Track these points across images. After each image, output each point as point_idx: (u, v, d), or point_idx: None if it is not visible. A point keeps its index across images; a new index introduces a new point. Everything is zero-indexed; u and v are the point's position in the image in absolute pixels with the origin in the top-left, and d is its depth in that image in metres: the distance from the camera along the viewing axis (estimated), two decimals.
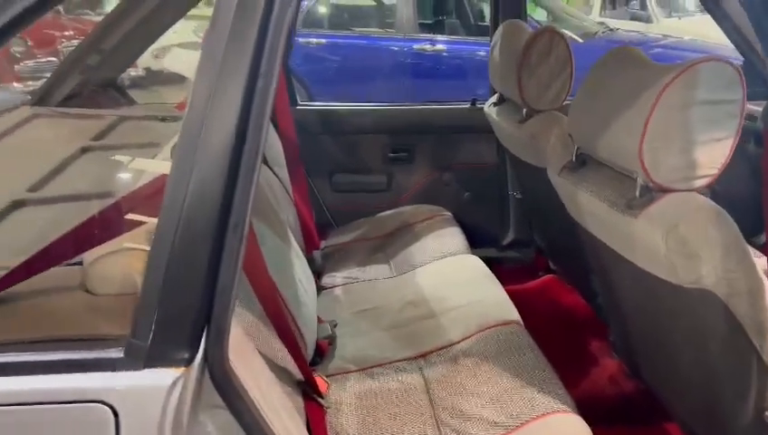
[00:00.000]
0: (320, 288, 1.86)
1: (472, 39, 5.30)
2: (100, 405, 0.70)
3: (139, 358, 0.71)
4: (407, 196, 2.40)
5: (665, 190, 1.07)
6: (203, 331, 0.73)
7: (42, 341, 0.74)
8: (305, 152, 2.12)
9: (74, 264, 0.88)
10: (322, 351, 1.54)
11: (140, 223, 0.82)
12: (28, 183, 1.28)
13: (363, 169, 2.40)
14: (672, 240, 1.03)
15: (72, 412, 0.69)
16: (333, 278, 1.92)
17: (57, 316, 0.82)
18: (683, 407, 1.42)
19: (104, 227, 0.87)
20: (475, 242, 2.15)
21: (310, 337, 1.46)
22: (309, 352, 1.44)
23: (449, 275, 1.81)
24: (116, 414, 0.70)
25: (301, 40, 5.12)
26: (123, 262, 0.81)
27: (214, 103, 0.72)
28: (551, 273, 2.38)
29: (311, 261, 1.85)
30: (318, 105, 2.52)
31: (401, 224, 2.15)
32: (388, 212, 2.26)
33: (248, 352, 0.89)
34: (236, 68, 0.72)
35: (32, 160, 1.42)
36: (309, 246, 1.94)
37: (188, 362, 0.72)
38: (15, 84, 4.31)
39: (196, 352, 0.72)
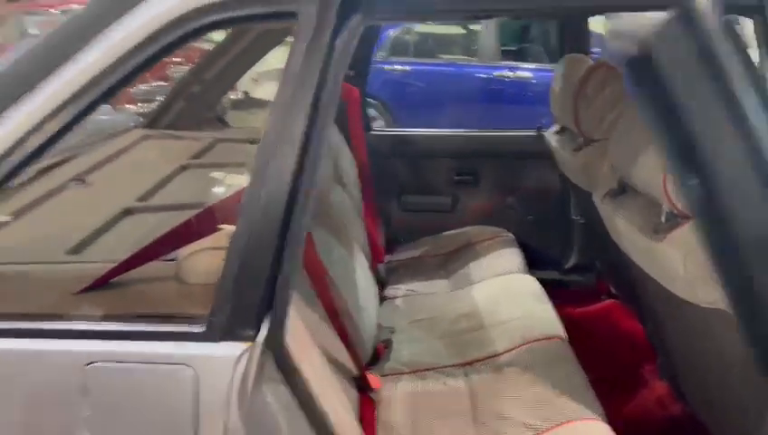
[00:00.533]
0: (383, 298, 2.02)
1: (552, 66, 5.37)
2: (185, 367, 0.89)
3: (215, 332, 0.90)
4: (470, 217, 2.53)
5: (687, 217, 1.16)
6: (265, 315, 0.91)
7: (145, 315, 0.95)
8: (377, 174, 2.31)
9: (170, 259, 1.09)
10: (379, 353, 1.70)
11: (222, 228, 1.02)
12: (137, 194, 1.53)
13: (430, 191, 2.56)
14: (690, 263, 1.12)
15: (165, 371, 0.89)
16: (396, 290, 2.08)
17: (156, 298, 1.03)
18: (720, 429, 1.47)
19: (194, 230, 1.08)
20: (538, 264, 2.26)
21: (368, 339, 1.62)
22: (366, 353, 1.60)
23: (503, 292, 1.93)
24: (197, 375, 0.89)
25: (386, 67, 5.37)
26: (207, 259, 1.01)
27: (282, 133, 0.91)
28: (613, 298, 2.43)
29: (376, 273, 2.02)
30: (389, 131, 2.71)
31: (463, 243, 2.28)
32: (452, 232, 2.40)
33: (305, 340, 1.07)
34: (300, 106, 0.90)
35: (141, 176, 1.68)
36: (375, 260, 2.12)
37: (253, 339, 0.91)
38: (129, 106, 4.80)
39: (259, 331, 0.91)
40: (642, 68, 0.80)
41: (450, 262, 2.22)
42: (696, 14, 0.76)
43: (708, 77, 0.77)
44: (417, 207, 2.57)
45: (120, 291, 1.05)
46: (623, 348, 2.13)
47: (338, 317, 1.37)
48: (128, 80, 0.92)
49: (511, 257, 2.15)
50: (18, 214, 1.38)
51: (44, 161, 1.66)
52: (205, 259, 1.02)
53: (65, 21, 1.00)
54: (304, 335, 1.08)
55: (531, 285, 1.95)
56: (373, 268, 2.01)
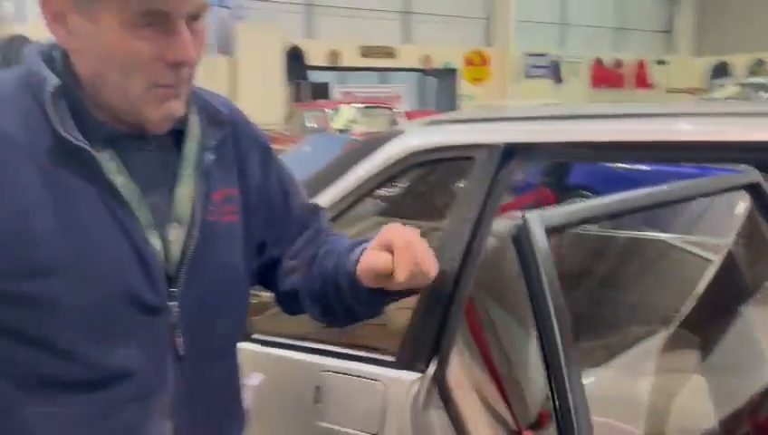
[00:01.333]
0: None
1: None
2: (379, 383, 1.37)
3: (400, 363, 1.37)
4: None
5: None
6: (433, 356, 1.36)
7: (359, 345, 1.47)
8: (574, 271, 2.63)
9: None
10: (543, 419, 2.00)
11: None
12: None
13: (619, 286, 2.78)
14: None
15: (367, 383, 1.38)
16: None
17: (370, 333, 1.55)
18: None
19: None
20: None
21: (533, 403, 1.94)
22: (529, 414, 1.92)
23: None
24: (386, 389, 1.36)
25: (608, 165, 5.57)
26: (401, 311, 1.50)
27: (457, 228, 1.37)
28: None
29: None
30: (581, 230, 3.00)
31: None
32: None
33: (463, 381, 1.48)
34: (469, 215, 1.36)
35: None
36: None
37: (424, 371, 1.35)
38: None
39: (428, 367, 1.35)
40: None
41: None
42: None
43: None
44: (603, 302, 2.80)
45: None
46: None
47: (500, 374, 1.74)
48: (363, 197, 1.48)
49: None
50: None
51: None
52: (399, 310, 1.52)
53: (338, 157, 1.61)
54: (462, 378, 1.49)
55: None
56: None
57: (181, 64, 0.85)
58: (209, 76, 11.41)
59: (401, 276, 0.93)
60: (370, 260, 0.96)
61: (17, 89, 0.86)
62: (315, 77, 13.08)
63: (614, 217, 1.07)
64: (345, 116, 9.41)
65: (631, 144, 1.30)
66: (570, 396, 0.94)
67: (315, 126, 9.31)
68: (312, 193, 1.55)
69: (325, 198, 1.52)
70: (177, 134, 0.93)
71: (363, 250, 1.00)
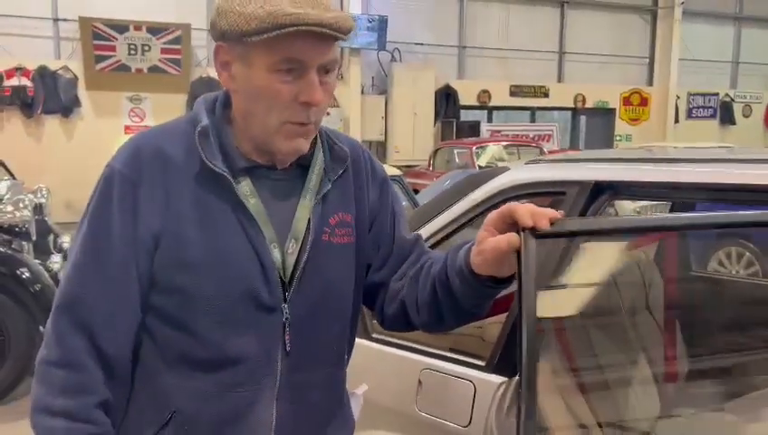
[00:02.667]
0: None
1: None
2: (470, 383, 1.59)
3: (489, 367, 1.58)
4: None
5: None
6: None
7: (458, 350, 1.69)
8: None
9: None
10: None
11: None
12: None
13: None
14: None
15: (460, 383, 1.60)
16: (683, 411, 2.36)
17: (467, 339, 1.76)
18: None
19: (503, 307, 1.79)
20: None
21: (624, 413, 2.02)
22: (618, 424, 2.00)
23: None
24: (475, 389, 1.58)
25: None
26: (494, 324, 1.70)
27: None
28: None
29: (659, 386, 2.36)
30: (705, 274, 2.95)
31: None
32: None
33: (551, 389, 1.65)
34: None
35: None
36: (667, 377, 2.45)
37: (510, 377, 1.55)
38: None
39: (514, 374, 1.55)
40: None
41: None
42: None
43: None
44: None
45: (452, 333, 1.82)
46: None
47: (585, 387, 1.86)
48: (467, 224, 1.72)
49: None
50: None
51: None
52: (495, 326, 1.72)
53: (450, 188, 1.87)
54: (548, 384, 1.66)
55: None
56: (660, 381, 2.35)
57: (310, 105, 1.02)
58: (367, 113, 12.23)
59: (542, 221, 0.96)
60: (492, 243, 1.00)
61: (184, 128, 1.08)
62: (468, 116, 13.42)
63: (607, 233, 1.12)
64: (491, 154, 9.62)
65: (709, 186, 1.42)
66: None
67: (460, 163, 9.62)
68: (424, 219, 1.83)
69: (435, 225, 1.78)
70: (304, 168, 1.12)
71: (470, 247, 1.07)
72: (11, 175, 7.54)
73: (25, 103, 10.25)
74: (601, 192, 1.55)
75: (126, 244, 1.03)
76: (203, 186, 1.04)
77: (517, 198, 1.70)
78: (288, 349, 1.08)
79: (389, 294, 1.20)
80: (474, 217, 1.78)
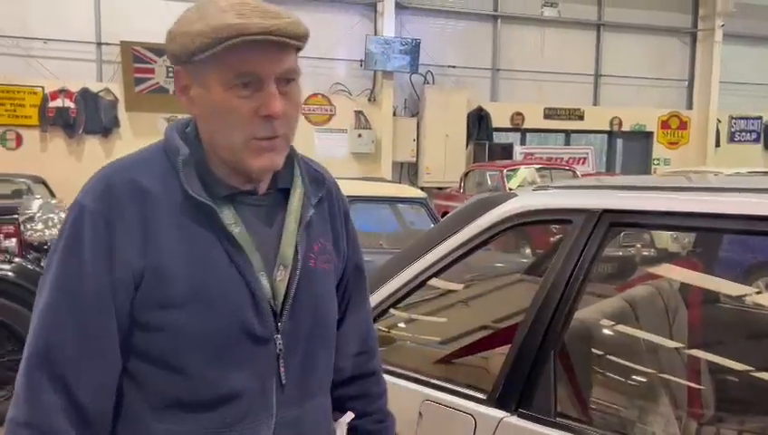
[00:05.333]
0: None
1: None
2: (470, 417, 1.53)
3: (489, 402, 1.52)
4: None
5: None
6: (518, 402, 1.49)
7: (460, 382, 1.64)
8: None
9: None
10: None
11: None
12: (495, 316, 2.25)
13: None
14: None
15: (459, 416, 1.54)
16: None
17: (468, 370, 1.71)
18: None
19: (502, 340, 1.73)
20: None
21: None
22: None
23: None
24: (475, 423, 1.52)
25: None
26: (498, 356, 1.65)
27: (553, 286, 1.51)
28: None
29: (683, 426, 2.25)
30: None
31: None
32: None
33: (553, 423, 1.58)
34: (563, 274, 1.49)
35: (502, 307, 2.42)
36: (693, 416, 2.33)
37: (511, 412, 1.49)
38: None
39: (515, 409, 1.48)
40: None
41: None
42: None
43: None
44: None
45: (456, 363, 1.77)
46: None
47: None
48: (469, 253, 1.68)
49: None
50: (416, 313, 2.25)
51: (449, 284, 2.55)
52: (499, 358, 1.66)
53: (457, 212, 1.83)
54: (551, 418, 1.59)
55: None
56: (683, 419, 2.24)
57: (271, 118, 0.98)
58: (399, 134, 12.25)
59: None
60: None
61: (158, 156, 1.03)
62: (501, 138, 13.33)
63: None
64: (522, 177, 9.51)
65: (722, 216, 1.35)
66: None
67: (491, 185, 9.53)
68: (431, 244, 1.79)
69: (441, 250, 1.74)
70: (285, 192, 1.09)
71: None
72: (51, 193, 7.78)
73: (68, 124, 10.59)
74: (609, 221, 1.49)
75: (101, 285, 0.96)
76: (184, 217, 0.99)
77: (524, 225, 1.65)
78: (283, 381, 1.04)
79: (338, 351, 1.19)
80: (480, 244, 1.73)
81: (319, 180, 1.13)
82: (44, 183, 8.42)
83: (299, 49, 1.01)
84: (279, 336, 1.03)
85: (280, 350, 1.03)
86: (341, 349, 1.19)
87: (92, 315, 0.96)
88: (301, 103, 1.05)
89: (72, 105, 10.57)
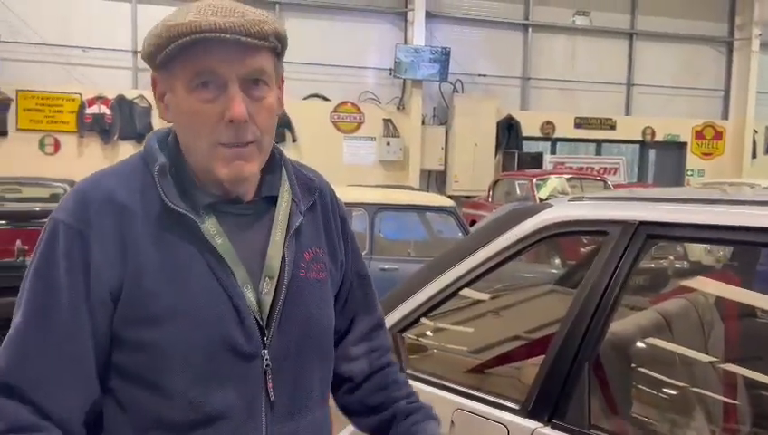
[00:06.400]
0: None
1: None
2: (503, 427, 1.53)
3: (522, 412, 1.52)
4: None
5: None
6: (552, 414, 1.49)
7: (492, 391, 1.64)
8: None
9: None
10: None
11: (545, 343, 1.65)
12: (525, 327, 2.25)
13: None
14: None
15: (492, 426, 1.55)
16: None
17: (502, 380, 1.71)
18: None
19: (535, 351, 1.73)
20: None
21: None
22: None
23: None
24: (508, 433, 1.52)
25: None
26: (532, 367, 1.64)
27: (587, 299, 1.51)
28: None
29: None
30: None
31: None
32: None
33: None
34: (599, 285, 1.49)
35: (533, 317, 2.41)
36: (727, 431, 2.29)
37: (544, 424, 1.49)
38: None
39: (549, 420, 1.48)
40: None
41: None
42: None
43: None
44: None
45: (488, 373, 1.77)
46: None
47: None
48: (503, 263, 1.68)
49: None
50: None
51: (480, 294, 2.55)
52: (533, 368, 1.66)
53: (484, 226, 1.84)
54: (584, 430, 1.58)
55: None
56: None
57: (235, 122, 0.92)
58: (427, 143, 12.26)
59: None
60: None
61: (137, 167, 0.99)
62: (530, 147, 13.26)
63: None
64: (552, 186, 9.44)
65: (762, 229, 1.33)
66: None
67: (520, 195, 9.48)
68: (464, 253, 1.80)
69: (474, 259, 1.75)
70: (272, 199, 1.03)
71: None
72: None
73: (103, 130, 10.86)
74: (646, 233, 1.48)
75: (76, 303, 0.92)
76: (164, 229, 0.95)
77: (559, 235, 1.65)
78: (272, 398, 0.99)
79: (343, 355, 1.17)
80: (514, 254, 1.73)
81: (310, 186, 1.09)
82: None
83: (277, 52, 0.98)
84: (266, 351, 0.98)
85: (267, 366, 0.98)
86: (353, 353, 1.17)
87: (65, 335, 0.92)
88: (274, 108, 0.99)
89: (107, 112, 10.83)
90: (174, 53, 0.92)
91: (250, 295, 0.98)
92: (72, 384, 0.93)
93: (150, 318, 0.93)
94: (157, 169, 0.97)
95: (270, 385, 0.99)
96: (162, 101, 1.00)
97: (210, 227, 0.97)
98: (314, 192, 1.10)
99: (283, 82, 1.03)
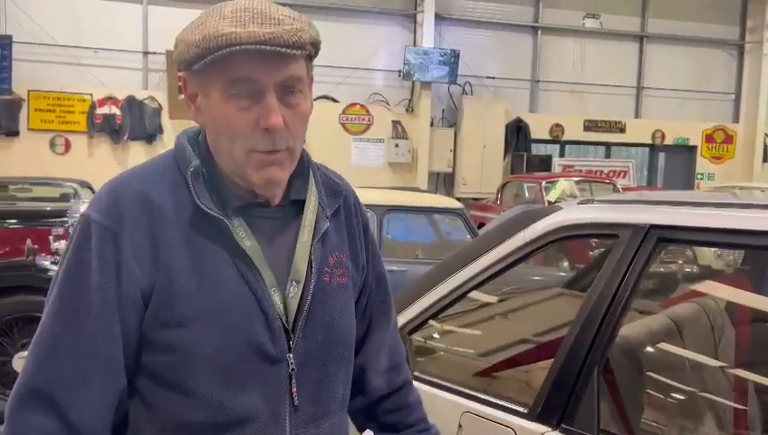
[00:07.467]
0: None
1: None
2: (511, 430, 1.52)
3: (530, 416, 1.51)
4: None
5: None
6: (561, 418, 1.48)
7: (500, 394, 1.63)
8: None
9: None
10: None
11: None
12: (534, 330, 2.24)
13: None
14: None
15: (500, 429, 1.54)
16: None
17: (510, 384, 1.70)
18: None
19: (543, 355, 1.72)
20: None
21: None
22: None
23: None
24: None
25: None
26: (540, 370, 1.63)
27: (597, 303, 1.50)
28: None
29: None
30: None
31: None
32: None
33: None
34: (608, 289, 1.48)
35: (540, 320, 2.40)
36: None
37: (553, 428, 1.48)
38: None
39: (557, 425, 1.47)
40: None
41: None
42: None
43: None
44: None
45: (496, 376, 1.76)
46: None
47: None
48: (512, 266, 1.67)
49: None
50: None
51: (488, 297, 2.54)
52: (541, 372, 1.65)
53: (493, 229, 1.83)
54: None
55: None
56: None
57: (270, 131, 0.93)
58: (436, 145, 12.25)
59: None
60: None
61: (168, 166, 1.00)
62: (539, 150, 13.21)
63: None
64: (561, 189, 9.41)
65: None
66: None
67: (528, 197, 9.45)
68: (473, 256, 1.79)
69: (483, 262, 1.75)
70: (300, 203, 1.04)
71: None
72: None
73: (113, 130, 10.91)
74: (657, 236, 1.47)
75: (106, 301, 0.92)
76: (195, 231, 0.96)
77: (569, 238, 1.65)
78: (296, 402, 0.99)
79: (362, 366, 1.16)
80: (523, 257, 1.73)
81: (336, 191, 1.09)
82: (90, 187, 8.68)
83: (310, 57, 0.98)
84: (291, 355, 0.99)
85: (292, 369, 0.99)
86: (371, 366, 1.17)
87: (95, 336, 0.92)
88: (308, 114, 1.00)
89: (118, 112, 10.89)
90: (215, 61, 0.92)
91: (277, 299, 0.99)
92: (100, 386, 0.93)
93: (179, 320, 0.93)
94: (191, 171, 0.97)
95: (294, 389, 0.99)
96: (194, 103, 0.99)
97: (239, 229, 0.98)
98: (339, 197, 1.10)
99: (312, 80, 1.03)
